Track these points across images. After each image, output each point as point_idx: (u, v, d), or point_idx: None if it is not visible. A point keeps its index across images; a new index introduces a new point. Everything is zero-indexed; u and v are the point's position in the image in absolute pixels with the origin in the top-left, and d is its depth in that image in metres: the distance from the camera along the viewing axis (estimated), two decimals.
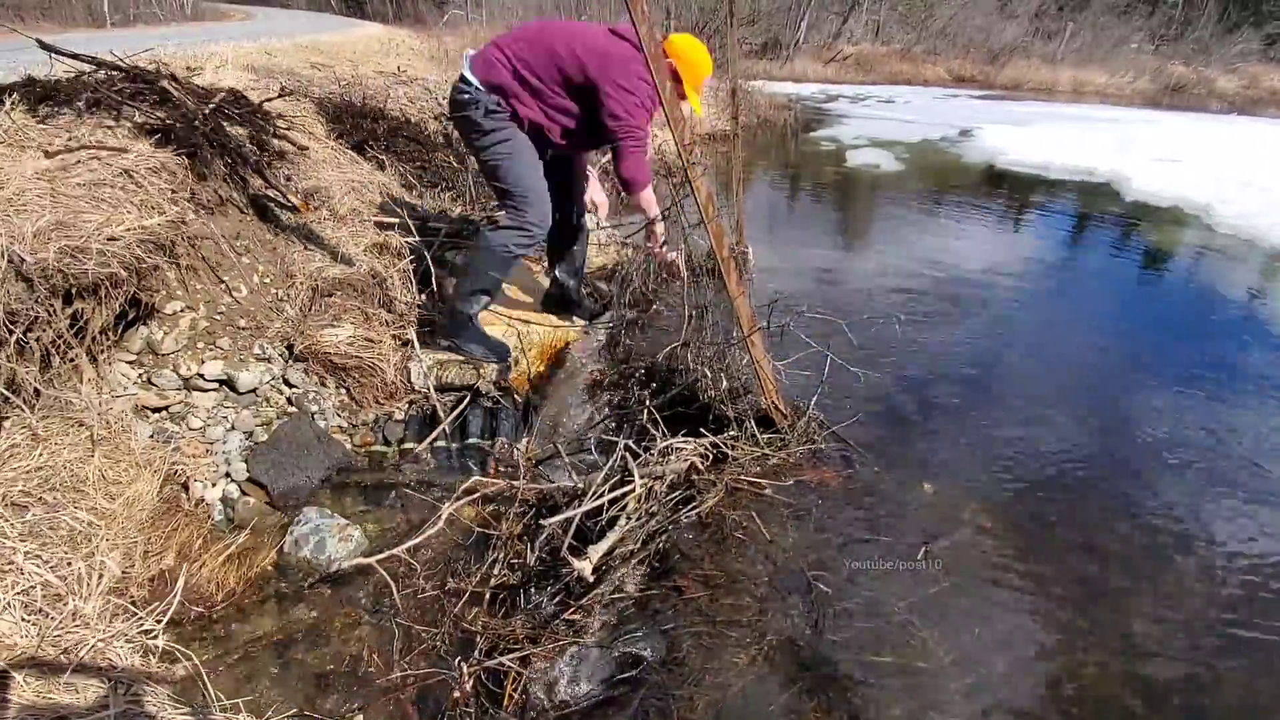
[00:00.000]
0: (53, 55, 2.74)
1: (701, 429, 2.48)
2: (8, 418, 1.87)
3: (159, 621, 1.24)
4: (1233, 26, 27.94)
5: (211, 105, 2.80)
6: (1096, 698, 1.77)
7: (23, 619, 1.02)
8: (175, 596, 1.21)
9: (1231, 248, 5.80)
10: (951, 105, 16.39)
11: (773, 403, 2.40)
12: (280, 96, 3.33)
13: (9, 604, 1.04)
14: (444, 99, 4.51)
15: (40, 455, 1.82)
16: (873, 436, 2.66)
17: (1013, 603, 2.03)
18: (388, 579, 1.85)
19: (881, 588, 2.03)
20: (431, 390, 2.74)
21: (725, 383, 2.49)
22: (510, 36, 2.64)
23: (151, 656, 1.16)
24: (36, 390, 1.95)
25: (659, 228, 2.97)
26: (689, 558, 2.08)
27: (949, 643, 1.86)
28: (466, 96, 2.60)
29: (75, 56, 2.76)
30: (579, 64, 2.54)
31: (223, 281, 2.60)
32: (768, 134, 10.61)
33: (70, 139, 2.41)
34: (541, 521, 1.99)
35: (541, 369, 3.20)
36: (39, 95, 2.58)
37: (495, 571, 1.91)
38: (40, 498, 1.70)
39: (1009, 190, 7.88)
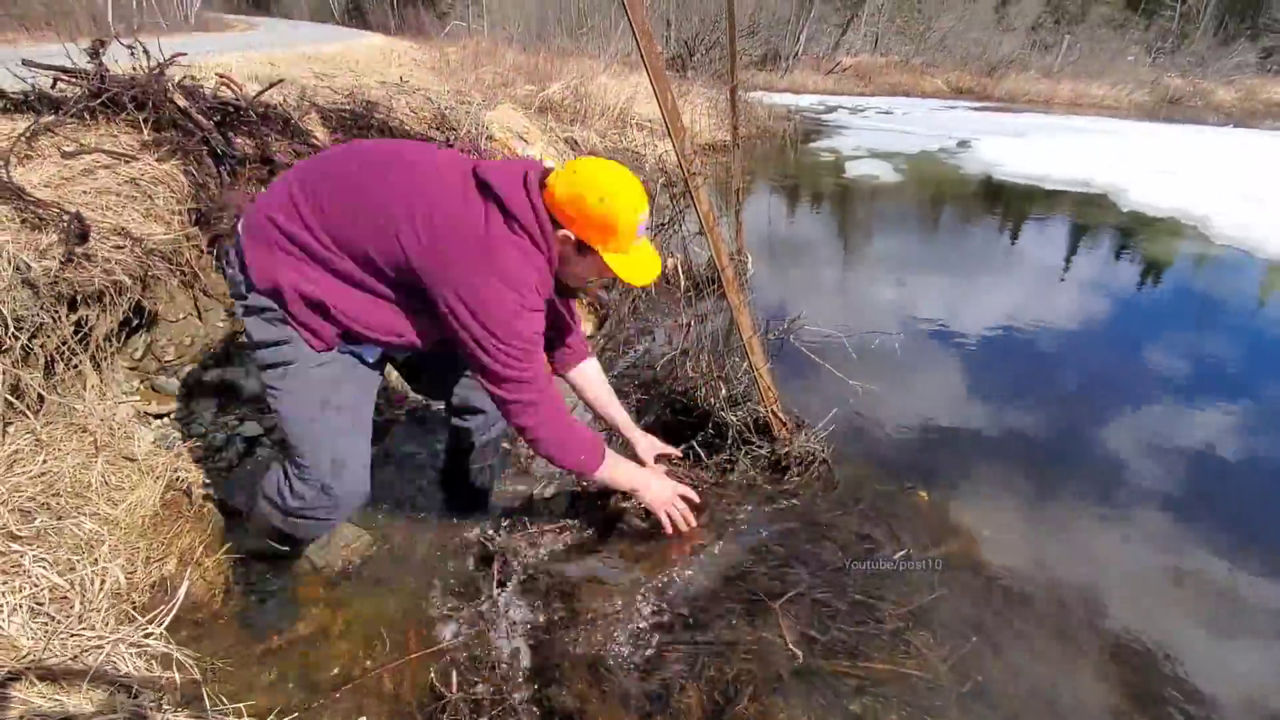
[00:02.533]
0: (62, 72, 2.77)
1: (701, 435, 2.49)
2: (12, 423, 1.88)
3: (161, 626, 1.25)
4: (1229, 39, 28.18)
5: (216, 119, 2.83)
6: (1095, 705, 1.77)
7: (29, 622, 1.03)
8: (177, 602, 1.22)
9: (1228, 258, 5.84)
10: (949, 117, 16.50)
11: (773, 411, 2.41)
12: (272, 87, 3.35)
13: (16, 607, 1.05)
14: (446, 108, 4.55)
15: (44, 461, 1.83)
16: (870, 445, 2.68)
17: (1009, 611, 2.03)
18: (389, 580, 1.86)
19: (876, 594, 2.03)
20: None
21: (724, 389, 2.50)
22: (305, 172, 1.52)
23: (155, 661, 1.17)
24: (41, 396, 1.96)
25: (647, 494, 1.92)
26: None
27: (944, 651, 1.87)
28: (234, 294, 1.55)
29: (65, 70, 2.78)
30: (401, 253, 1.41)
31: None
32: (767, 145, 10.67)
33: (80, 145, 2.43)
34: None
35: None
36: (49, 104, 2.61)
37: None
38: (45, 503, 1.71)
39: (1006, 202, 7.93)
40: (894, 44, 26.52)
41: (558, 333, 1.85)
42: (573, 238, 1.49)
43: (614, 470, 1.80)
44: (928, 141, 12.05)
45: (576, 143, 5.77)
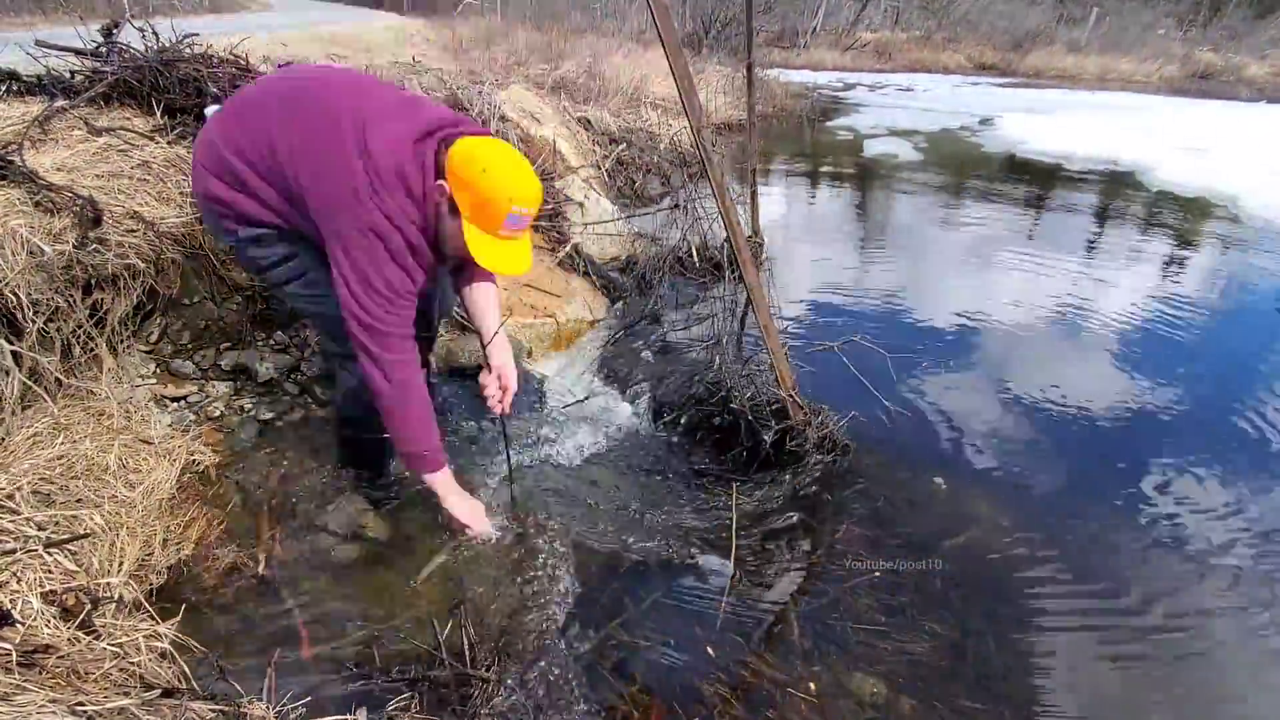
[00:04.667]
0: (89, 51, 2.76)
1: (734, 440, 2.45)
2: (31, 406, 1.90)
3: (178, 615, 1.26)
4: (1264, 12, 27.19)
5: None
6: (1112, 698, 1.74)
7: (44, 608, 1.04)
8: (197, 599, 1.22)
9: (1260, 239, 5.67)
10: (972, 93, 16.13)
11: (789, 395, 2.38)
12: (284, 66, 3.30)
13: (33, 593, 1.05)
14: (458, 88, 4.50)
15: (62, 444, 1.85)
16: (885, 430, 2.64)
17: (1025, 601, 2.00)
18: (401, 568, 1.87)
19: (890, 584, 2.01)
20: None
21: (751, 390, 2.45)
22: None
23: (170, 647, 1.18)
24: (58, 380, 1.98)
25: (455, 510, 1.87)
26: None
27: (958, 640, 1.85)
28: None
29: (78, 52, 2.77)
30: (287, 166, 1.56)
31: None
32: (784, 123, 10.50)
33: (105, 124, 2.43)
34: None
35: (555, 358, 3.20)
36: (62, 88, 2.60)
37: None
38: (63, 486, 1.72)
39: (1030, 181, 7.75)
40: (915, 19, 25.86)
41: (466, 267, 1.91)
42: (447, 190, 1.54)
43: (442, 484, 1.84)
44: (949, 119, 11.79)
45: (590, 122, 5.70)
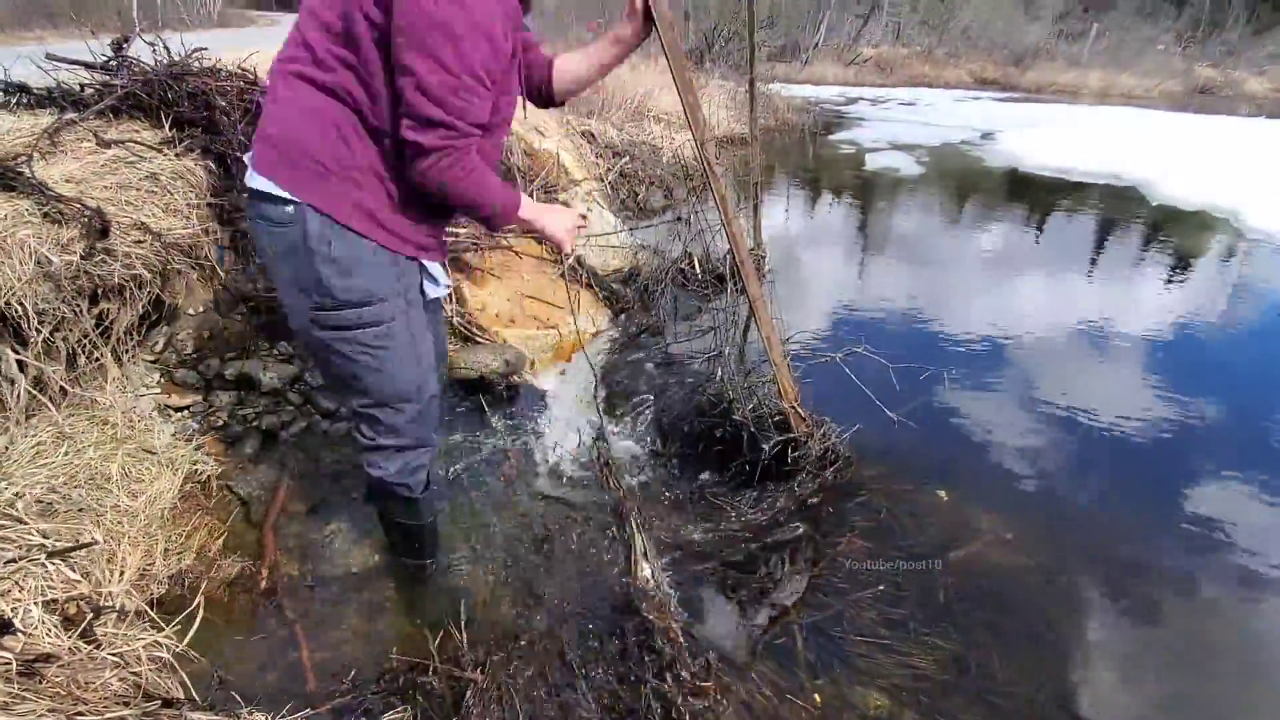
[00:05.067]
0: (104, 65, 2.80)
1: (736, 453, 2.45)
2: (35, 415, 1.91)
3: (179, 625, 1.25)
4: (1263, 28, 27.38)
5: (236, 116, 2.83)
6: (1116, 711, 1.73)
7: (45, 618, 1.04)
8: (199, 608, 1.22)
9: (1261, 252, 5.67)
10: (973, 108, 16.21)
11: (792, 406, 2.38)
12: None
13: (34, 602, 1.05)
14: None
15: (66, 453, 1.86)
16: (888, 442, 2.63)
17: (1029, 614, 1.99)
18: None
19: (892, 596, 2.00)
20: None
21: (754, 401, 2.45)
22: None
23: (170, 657, 1.17)
24: (63, 389, 1.99)
25: (550, 225, 1.64)
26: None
27: (961, 652, 1.83)
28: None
29: (88, 65, 2.80)
30: None
31: (250, 283, 2.63)
32: (786, 137, 10.56)
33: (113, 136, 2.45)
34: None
35: (555, 369, 3.20)
36: (72, 100, 2.64)
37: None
38: (66, 495, 1.73)
39: (1032, 195, 7.78)
40: (916, 34, 26.07)
41: (532, 69, 1.68)
42: None
43: (527, 209, 1.56)
44: (950, 133, 11.85)
45: (594, 135, 5.74)
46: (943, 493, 2.47)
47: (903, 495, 2.43)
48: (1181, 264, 5.35)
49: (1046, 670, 1.81)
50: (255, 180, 1.34)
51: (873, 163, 8.98)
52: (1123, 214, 6.85)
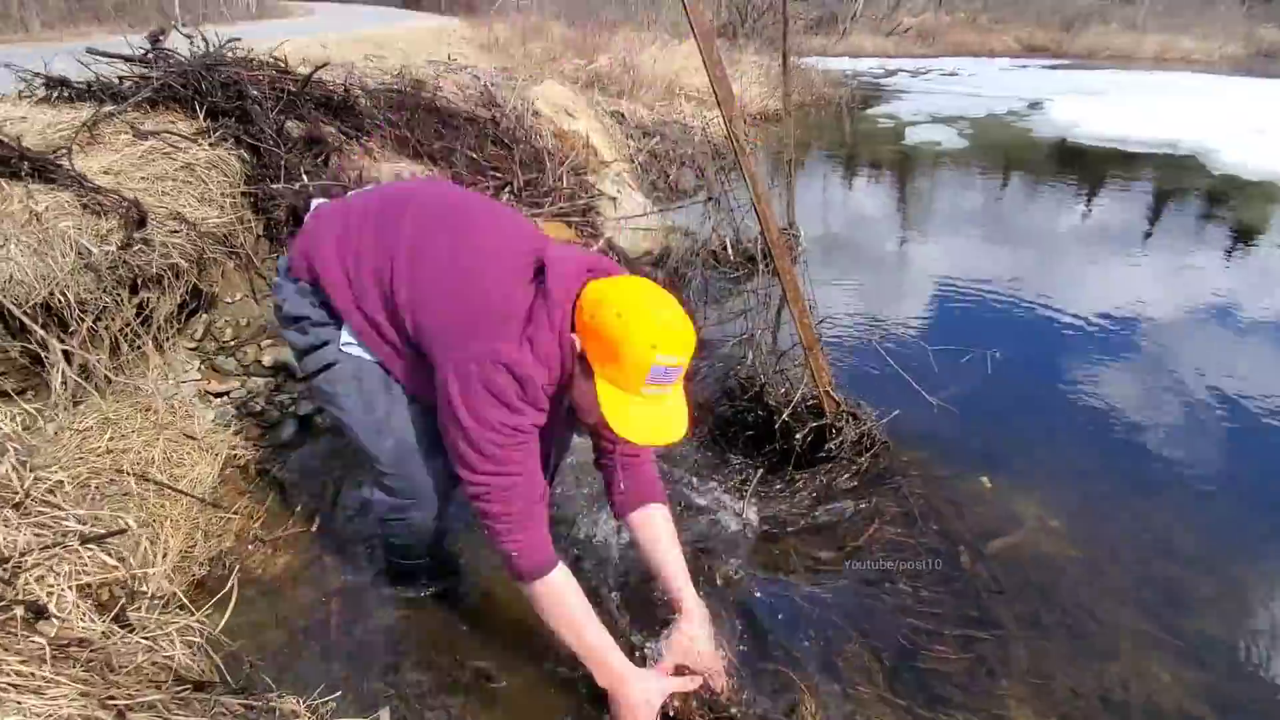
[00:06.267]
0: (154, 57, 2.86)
1: (769, 438, 2.41)
2: (81, 403, 1.97)
3: (213, 609, 1.28)
4: None
5: (270, 104, 2.86)
6: (1169, 706, 1.65)
7: (79, 603, 1.07)
8: (234, 592, 1.24)
9: None
10: (1020, 76, 15.58)
11: (825, 391, 2.32)
12: (319, 70, 3.36)
13: (69, 587, 1.09)
14: (491, 85, 4.52)
15: (111, 439, 1.91)
16: (927, 428, 2.55)
17: (1077, 605, 1.91)
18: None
19: (926, 586, 1.94)
20: None
21: (785, 386, 2.39)
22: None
23: (203, 641, 1.20)
24: (107, 377, 2.04)
25: (618, 706, 1.34)
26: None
27: (1008, 644, 1.77)
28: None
29: (125, 58, 2.87)
30: (411, 316, 1.35)
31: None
32: (822, 112, 10.30)
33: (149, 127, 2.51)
34: None
35: None
36: (110, 93, 2.70)
37: None
38: (111, 479, 1.78)
39: (1082, 166, 7.44)
40: (959, 0, 25.09)
41: (614, 462, 1.56)
42: (578, 346, 1.26)
43: (589, 640, 1.34)
44: (995, 104, 11.40)
45: (623, 115, 5.67)
46: (985, 479, 2.39)
47: (943, 482, 2.36)
48: (1244, 238, 5.06)
49: (1088, 669, 1.74)
50: None
51: (912, 136, 8.69)
52: (1181, 185, 6.51)
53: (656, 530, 1.55)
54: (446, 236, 1.35)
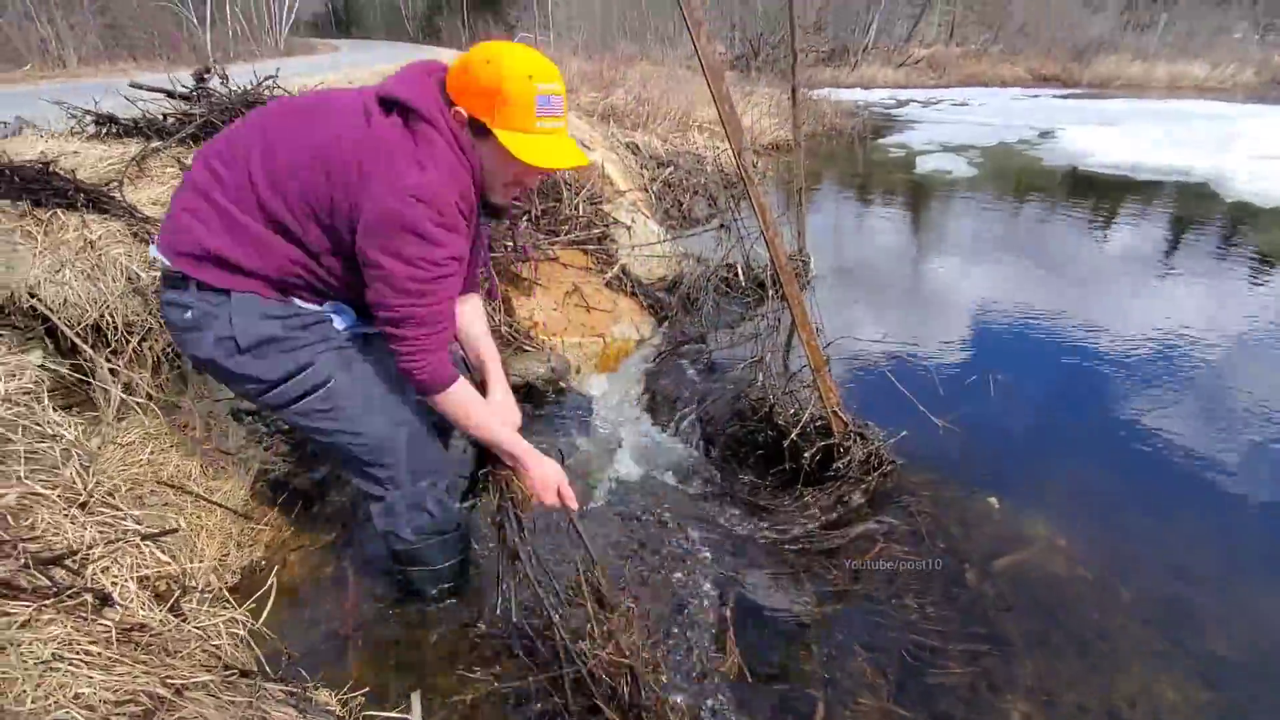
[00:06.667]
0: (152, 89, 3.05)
1: (779, 458, 2.47)
2: (125, 418, 2.08)
3: (254, 605, 1.36)
4: None
5: None
6: None
7: (139, 593, 1.16)
8: (273, 590, 1.33)
9: None
10: (1031, 106, 15.70)
11: (833, 411, 2.38)
12: None
13: (130, 578, 1.18)
14: None
15: (151, 452, 2.02)
16: (935, 448, 2.59)
17: (1085, 624, 1.93)
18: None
19: (933, 605, 1.97)
20: None
21: (794, 407, 2.46)
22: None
23: (247, 634, 1.28)
24: (149, 395, 2.16)
25: (532, 471, 1.61)
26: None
27: (1015, 663, 1.80)
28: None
29: (170, 94, 3.06)
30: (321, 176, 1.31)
31: None
32: (834, 142, 10.46)
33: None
34: None
35: (603, 377, 3.27)
36: (155, 129, 2.88)
37: None
38: (152, 489, 1.88)
39: (1094, 195, 7.48)
40: (971, 32, 25.42)
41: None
42: (464, 114, 1.29)
43: (516, 445, 1.58)
44: (1006, 133, 11.51)
45: (638, 147, 5.83)
46: (993, 500, 2.42)
47: (951, 502, 2.39)
48: (1257, 264, 5.07)
49: (1097, 683, 1.76)
50: None
51: (923, 165, 8.80)
52: (1194, 212, 6.53)
53: (476, 325, 1.72)
54: (294, 139, 1.32)
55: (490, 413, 1.57)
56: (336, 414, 1.48)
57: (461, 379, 1.48)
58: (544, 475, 1.59)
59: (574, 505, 1.61)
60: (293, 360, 1.42)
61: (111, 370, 2.07)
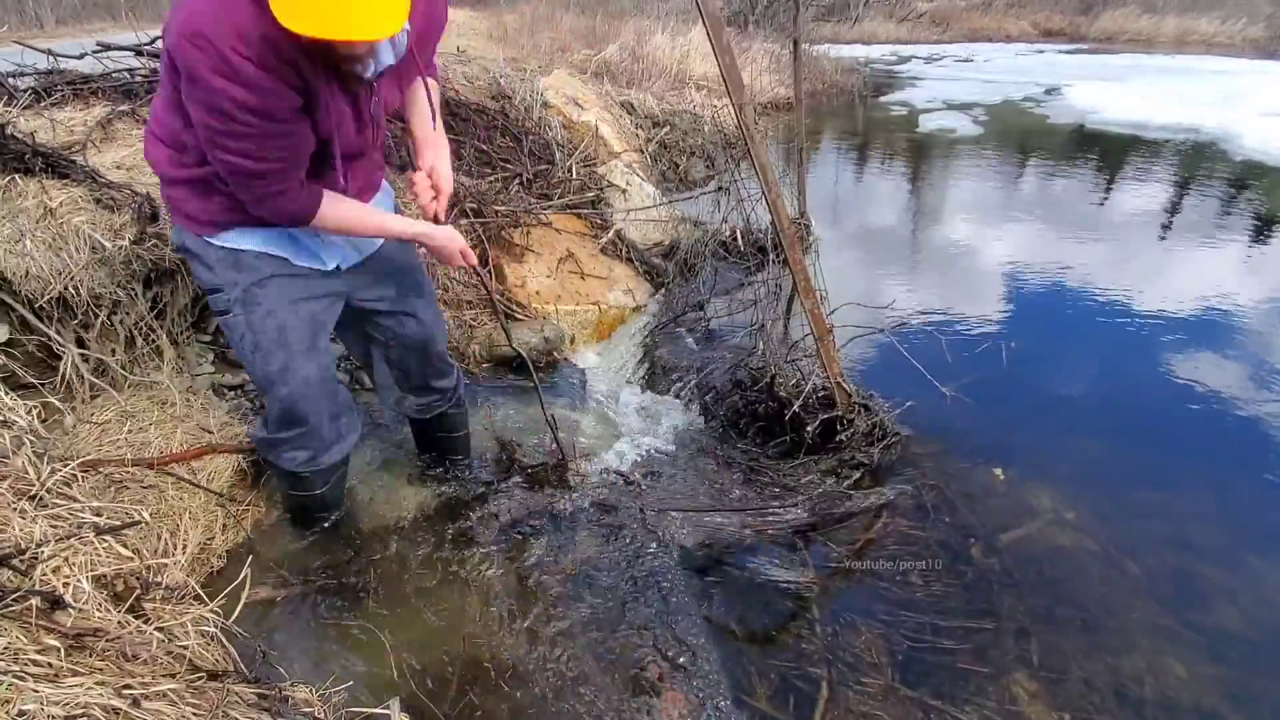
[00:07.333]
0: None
1: (778, 428, 2.40)
2: (99, 396, 1.99)
3: (225, 601, 1.30)
4: None
5: None
6: (1184, 700, 1.63)
7: (95, 593, 1.09)
8: (246, 582, 1.26)
9: None
10: (1037, 61, 15.33)
11: (836, 381, 2.30)
12: None
13: (84, 578, 1.10)
14: (501, 76, 4.50)
15: (129, 431, 1.94)
16: (941, 419, 2.53)
17: (1090, 598, 1.89)
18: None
19: (937, 578, 1.93)
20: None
21: (796, 377, 2.38)
22: None
23: (218, 632, 1.22)
24: (123, 371, 2.07)
25: (431, 241, 1.63)
26: None
27: (1019, 639, 1.76)
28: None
29: (137, 51, 2.89)
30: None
31: None
32: (834, 100, 10.18)
33: None
34: None
35: (597, 346, 3.19)
36: (125, 90, 2.72)
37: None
38: (129, 472, 1.80)
39: (1099, 152, 7.31)
40: None
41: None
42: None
43: (387, 223, 1.58)
44: (1011, 90, 11.22)
45: (633, 106, 5.63)
46: (999, 471, 2.37)
47: (956, 473, 2.34)
48: (1268, 225, 4.96)
49: (1104, 659, 1.72)
50: None
51: (926, 124, 8.58)
52: (1203, 171, 6.38)
53: (419, 94, 1.64)
54: None
55: (370, 210, 1.57)
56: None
57: (327, 195, 1.44)
58: (447, 241, 1.64)
59: (475, 263, 1.72)
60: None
61: (80, 344, 1.97)
